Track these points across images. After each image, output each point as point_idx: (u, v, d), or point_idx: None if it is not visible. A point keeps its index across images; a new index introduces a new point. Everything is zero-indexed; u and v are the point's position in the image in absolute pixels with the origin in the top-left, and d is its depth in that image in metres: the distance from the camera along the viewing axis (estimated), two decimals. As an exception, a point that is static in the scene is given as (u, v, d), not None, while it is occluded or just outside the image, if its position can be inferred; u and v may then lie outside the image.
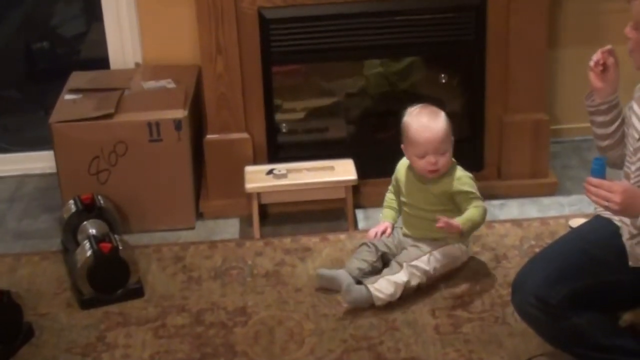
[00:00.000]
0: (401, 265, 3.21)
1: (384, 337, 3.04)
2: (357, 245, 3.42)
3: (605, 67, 2.70)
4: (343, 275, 3.26)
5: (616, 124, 2.75)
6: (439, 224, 3.13)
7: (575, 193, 3.91)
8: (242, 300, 3.27)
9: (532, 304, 2.66)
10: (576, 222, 3.58)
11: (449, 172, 3.26)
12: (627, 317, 2.94)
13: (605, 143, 2.80)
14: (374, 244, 3.35)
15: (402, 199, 3.36)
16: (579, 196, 3.86)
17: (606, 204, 2.45)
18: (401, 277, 3.19)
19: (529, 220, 3.70)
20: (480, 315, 3.14)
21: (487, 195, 3.74)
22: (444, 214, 3.21)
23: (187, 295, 3.31)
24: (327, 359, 2.95)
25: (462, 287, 3.29)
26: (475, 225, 3.25)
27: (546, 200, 3.89)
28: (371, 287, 3.15)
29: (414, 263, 3.22)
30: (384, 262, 3.33)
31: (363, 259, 3.33)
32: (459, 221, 3.18)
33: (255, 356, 2.99)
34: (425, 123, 3.22)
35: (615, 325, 2.78)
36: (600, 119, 2.77)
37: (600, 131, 2.80)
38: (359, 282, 3.22)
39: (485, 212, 3.26)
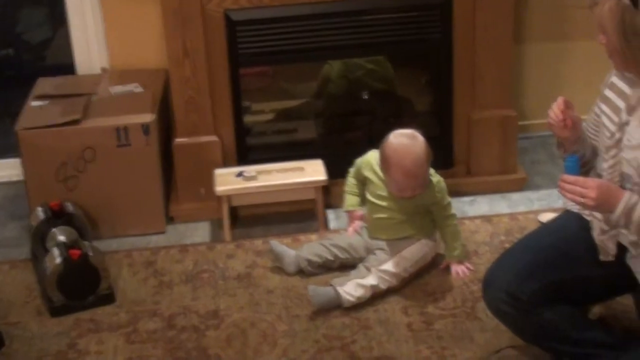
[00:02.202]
0: (369, 270, 3.21)
1: (357, 337, 3.04)
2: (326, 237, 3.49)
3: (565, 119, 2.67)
4: (290, 258, 3.35)
5: (588, 154, 2.74)
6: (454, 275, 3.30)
7: (544, 188, 3.93)
8: (214, 304, 3.26)
9: (503, 300, 2.67)
10: (545, 217, 3.60)
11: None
12: (596, 310, 2.97)
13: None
14: (334, 252, 3.36)
15: (373, 199, 3.32)
16: (548, 191, 3.89)
17: (582, 200, 2.45)
18: (370, 281, 3.19)
19: (499, 216, 3.72)
20: (452, 311, 3.15)
21: (457, 192, 3.77)
22: (416, 218, 3.27)
23: (159, 300, 3.30)
24: (301, 360, 2.96)
25: (433, 284, 3.29)
26: (461, 239, 3.35)
27: (515, 196, 3.90)
28: (340, 290, 3.15)
29: (382, 267, 3.22)
30: (341, 264, 3.37)
31: (318, 254, 3.36)
32: (458, 258, 3.32)
33: (228, 359, 2.98)
34: (407, 167, 3.12)
35: (585, 318, 2.80)
36: None
37: None
38: (300, 271, 3.35)
39: (455, 217, 3.33)
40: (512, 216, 3.70)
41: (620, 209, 2.43)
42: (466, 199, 3.84)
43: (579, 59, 4.21)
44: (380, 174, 3.26)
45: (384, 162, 3.19)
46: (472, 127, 3.87)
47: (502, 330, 2.88)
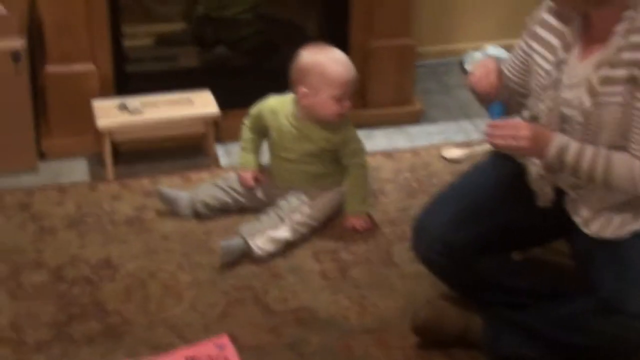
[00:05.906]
0: (282, 220, 2.97)
1: (269, 287, 2.82)
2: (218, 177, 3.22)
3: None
4: (184, 201, 3.09)
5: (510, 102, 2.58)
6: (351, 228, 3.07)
7: (441, 120, 3.82)
8: (104, 251, 2.96)
9: (437, 250, 2.53)
10: (449, 153, 3.49)
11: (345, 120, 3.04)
12: (526, 256, 2.86)
13: None
14: (234, 197, 3.12)
15: (281, 152, 3.06)
16: (445, 124, 3.79)
17: (515, 143, 2.31)
18: (283, 234, 2.96)
19: (400, 151, 3.56)
20: (365, 256, 2.97)
21: (353, 125, 3.57)
22: (326, 166, 3.06)
23: (41, 248, 2.97)
24: (211, 314, 2.71)
25: (340, 227, 3.10)
26: (367, 191, 3.11)
27: (413, 129, 3.76)
28: (252, 243, 2.90)
29: (297, 219, 2.99)
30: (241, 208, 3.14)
31: (215, 196, 3.12)
32: (357, 211, 3.07)
33: (129, 315, 2.70)
34: (343, 63, 2.97)
35: (519, 266, 2.70)
36: None
37: None
38: (195, 213, 3.10)
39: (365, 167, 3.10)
40: (414, 152, 3.55)
41: (554, 149, 2.30)
42: (362, 132, 3.57)
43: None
44: (290, 118, 3.01)
45: (313, 75, 2.93)
46: (369, 56, 3.68)
47: (424, 275, 2.72)
